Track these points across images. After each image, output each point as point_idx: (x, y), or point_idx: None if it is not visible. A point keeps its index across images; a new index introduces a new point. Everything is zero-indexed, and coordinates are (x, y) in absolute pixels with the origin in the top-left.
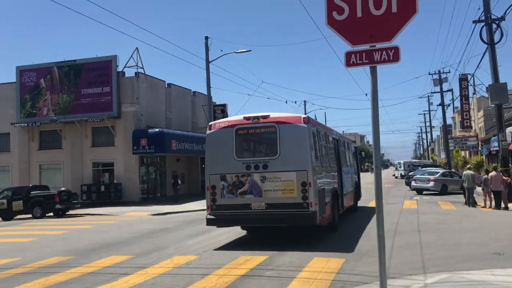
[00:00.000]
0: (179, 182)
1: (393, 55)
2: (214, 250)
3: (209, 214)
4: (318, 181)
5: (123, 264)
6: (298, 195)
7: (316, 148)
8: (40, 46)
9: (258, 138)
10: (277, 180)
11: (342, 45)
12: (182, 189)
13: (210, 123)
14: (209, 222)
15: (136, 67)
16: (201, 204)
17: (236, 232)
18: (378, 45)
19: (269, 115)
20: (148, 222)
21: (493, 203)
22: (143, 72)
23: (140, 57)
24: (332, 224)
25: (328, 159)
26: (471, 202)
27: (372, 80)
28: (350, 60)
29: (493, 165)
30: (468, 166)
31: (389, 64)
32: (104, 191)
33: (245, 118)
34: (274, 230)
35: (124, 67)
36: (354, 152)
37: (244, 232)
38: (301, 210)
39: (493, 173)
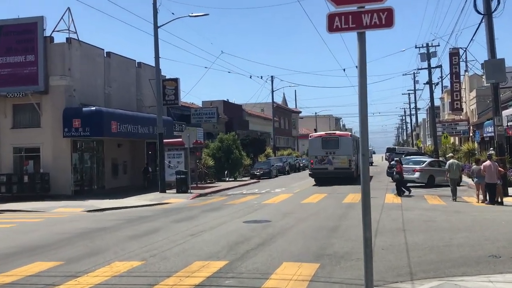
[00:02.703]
0: (150, 170)
1: (386, 19)
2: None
3: (309, 172)
4: (353, 159)
5: (50, 272)
6: (347, 164)
7: (353, 145)
8: None
9: (331, 141)
10: (339, 158)
11: (320, 8)
12: (124, 181)
13: (310, 134)
14: (310, 175)
15: (67, 31)
16: (147, 198)
17: (193, 230)
18: (368, 6)
19: (335, 132)
20: (82, 220)
21: (486, 197)
22: (76, 37)
23: (72, 19)
24: (357, 177)
25: (356, 149)
26: (455, 195)
27: (359, 49)
28: (334, 24)
29: (487, 153)
30: (450, 154)
31: (380, 30)
32: (28, 182)
33: (326, 133)
34: (333, 180)
35: (53, 31)
36: None
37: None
38: (348, 170)
39: (487, 162)
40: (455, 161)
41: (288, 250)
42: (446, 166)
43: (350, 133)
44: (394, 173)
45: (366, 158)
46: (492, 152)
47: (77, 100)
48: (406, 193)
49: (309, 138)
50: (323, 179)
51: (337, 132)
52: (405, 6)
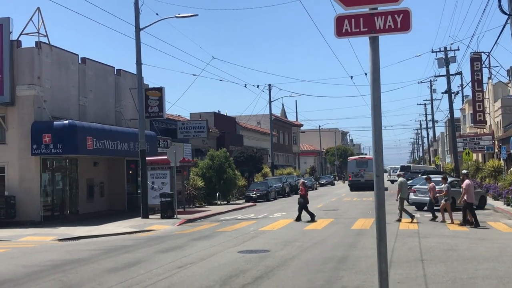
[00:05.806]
0: None
1: (402, 22)
2: None
3: (348, 183)
4: None
5: None
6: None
7: None
8: None
9: (362, 162)
10: (368, 173)
11: (325, 8)
12: (101, 204)
13: (349, 158)
14: (349, 185)
15: (37, 34)
16: (128, 225)
17: (180, 262)
18: (381, 8)
19: (366, 156)
20: (53, 250)
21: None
22: (47, 41)
23: (43, 21)
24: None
25: None
26: (406, 215)
27: (372, 56)
28: (343, 28)
29: (464, 171)
30: (398, 172)
31: (395, 34)
32: None
33: (359, 157)
34: (364, 188)
35: (21, 34)
36: None
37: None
38: None
39: (467, 181)
40: (403, 179)
41: (289, 285)
42: (398, 185)
43: None
44: (299, 197)
45: (381, 180)
46: (466, 171)
47: (48, 113)
48: (306, 219)
49: (348, 160)
50: (357, 187)
51: (367, 156)
52: (420, 6)
